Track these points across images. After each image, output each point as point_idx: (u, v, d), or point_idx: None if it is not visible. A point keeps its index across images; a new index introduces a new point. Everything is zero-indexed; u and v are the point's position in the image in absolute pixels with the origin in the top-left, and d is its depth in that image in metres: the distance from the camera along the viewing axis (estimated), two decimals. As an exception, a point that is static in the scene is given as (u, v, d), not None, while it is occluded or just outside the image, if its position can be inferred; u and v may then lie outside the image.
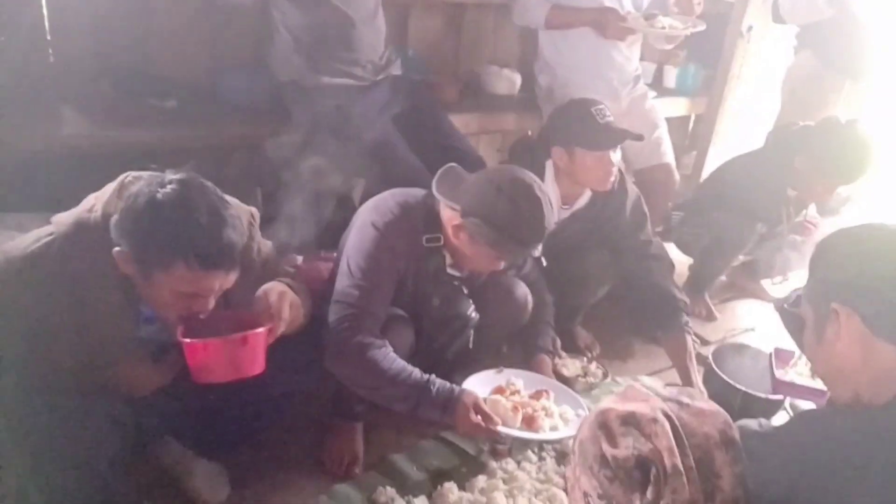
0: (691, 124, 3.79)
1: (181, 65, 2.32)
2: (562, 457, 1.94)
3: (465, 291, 1.93)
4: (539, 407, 1.79)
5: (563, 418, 1.81)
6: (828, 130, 2.50)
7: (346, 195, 2.46)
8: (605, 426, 0.94)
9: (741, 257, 2.87)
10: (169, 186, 1.32)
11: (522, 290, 2.06)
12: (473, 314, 1.94)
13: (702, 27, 2.63)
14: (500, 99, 2.98)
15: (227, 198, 1.45)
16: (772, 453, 0.95)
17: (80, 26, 2.21)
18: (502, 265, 1.84)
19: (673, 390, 0.93)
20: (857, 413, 1.05)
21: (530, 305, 2.07)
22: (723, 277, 3.03)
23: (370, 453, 1.89)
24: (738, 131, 3.23)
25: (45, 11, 2.20)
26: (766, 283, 3.07)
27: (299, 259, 2.55)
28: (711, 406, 0.90)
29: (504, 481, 1.81)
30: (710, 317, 2.86)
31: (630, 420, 0.90)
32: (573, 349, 2.42)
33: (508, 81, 3.02)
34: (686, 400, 0.89)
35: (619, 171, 2.20)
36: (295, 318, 1.52)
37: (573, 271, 2.30)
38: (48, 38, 2.21)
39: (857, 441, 0.99)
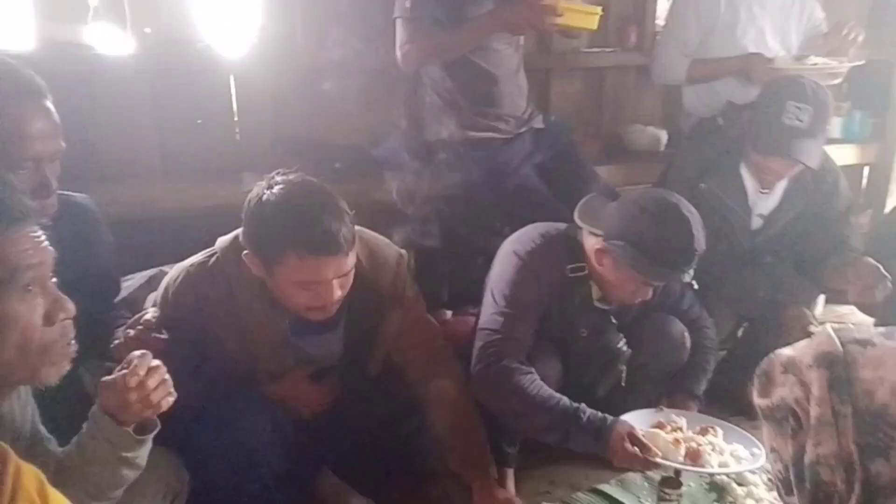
0: (864, 179, 3.48)
1: (344, 131, 2.57)
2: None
3: (615, 322, 1.86)
4: (705, 442, 1.64)
5: (733, 456, 1.63)
6: None
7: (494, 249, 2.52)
8: (766, 374, 0.85)
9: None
10: (276, 187, 1.44)
11: (678, 328, 1.94)
12: (624, 347, 1.85)
13: (860, 62, 2.48)
14: (645, 154, 2.96)
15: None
16: None
17: (261, 106, 2.56)
18: (650, 293, 1.76)
19: (873, 330, 0.81)
20: None
21: (688, 343, 1.94)
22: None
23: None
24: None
25: (233, 98, 2.59)
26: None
27: (449, 314, 2.62)
28: None
29: (671, 536, 1.65)
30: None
31: (790, 366, 0.82)
32: None
33: (653, 138, 3.00)
34: (879, 339, 0.79)
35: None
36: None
37: None
38: (235, 118, 2.59)
39: None
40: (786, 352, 0.83)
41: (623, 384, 1.89)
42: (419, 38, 2.17)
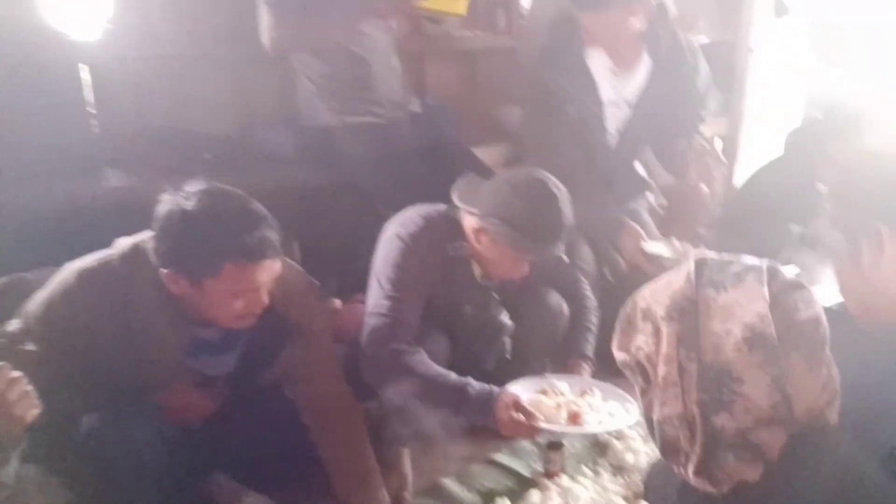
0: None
1: (214, 121, 2.47)
2: (618, 470, 1.87)
3: (497, 298, 1.93)
4: (584, 403, 1.75)
5: (610, 414, 1.75)
6: (844, 114, 2.52)
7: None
8: (628, 319, 0.90)
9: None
10: (194, 198, 1.37)
11: (555, 298, 2.05)
12: (507, 321, 1.93)
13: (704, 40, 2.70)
14: (519, 134, 3.06)
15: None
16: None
17: (120, 96, 2.40)
18: (527, 267, 1.84)
19: (727, 267, 0.85)
20: None
21: (566, 312, 2.05)
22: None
23: (419, 480, 1.84)
24: (767, 143, 3.23)
25: (84, 91, 2.40)
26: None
27: (338, 302, 2.60)
28: (750, 291, 0.83)
29: (559, 496, 1.74)
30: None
31: (647, 315, 0.87)
32: None
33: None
34: (730, 282, 0.84)
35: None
36: None
37: None
38: (93, 111, 2.41)
39: None
40: (645, 297, 0.88)
41: (508, 356, 1.97)
42: (286, 24, 2.13)
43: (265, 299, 1.45)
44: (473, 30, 3.08)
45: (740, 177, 3.28)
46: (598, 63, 2.22)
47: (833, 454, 0.84)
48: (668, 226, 2.76)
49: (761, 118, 3.42)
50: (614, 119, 2.29)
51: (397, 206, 2.09)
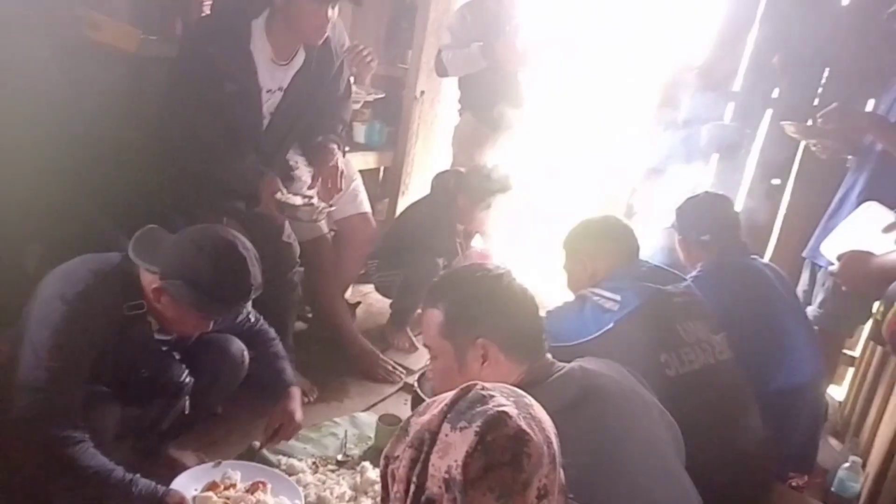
0: (381, 175, 4.14)
1: None
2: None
3: (177, 357, 1.86)
4: (253, 501, 1.79)
5: None
6: (477, 172, 3.04)
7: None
8: (403, 428, 0.96)
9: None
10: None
11: (237, 346, 2.03)
12: (187, 380, 1.87)
13: (381, 95, 2.95)
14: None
15: None
16: None
17: None
18: (210, 325, 1.80)
19: (478, 406, 0.92)
20: None
21: (247, 361, 2.05)
22: (419, 311, 3.36)
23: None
24: (425, 180, 3.62)
25: None
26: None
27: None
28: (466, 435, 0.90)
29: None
30: (412, 348, 3.14)
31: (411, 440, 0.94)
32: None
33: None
34: (469, 420, 0.90)
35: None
36: None
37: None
38: None
39: None
40: (418, 418, 0.93)
41: (187, 412, 1.91)
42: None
43: None
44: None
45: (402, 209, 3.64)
46: (260, 51, 2.30)
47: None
48: (339, 252, 2.96)
49: (430, 156, 3.84)
50: (269, 105, 2.41)
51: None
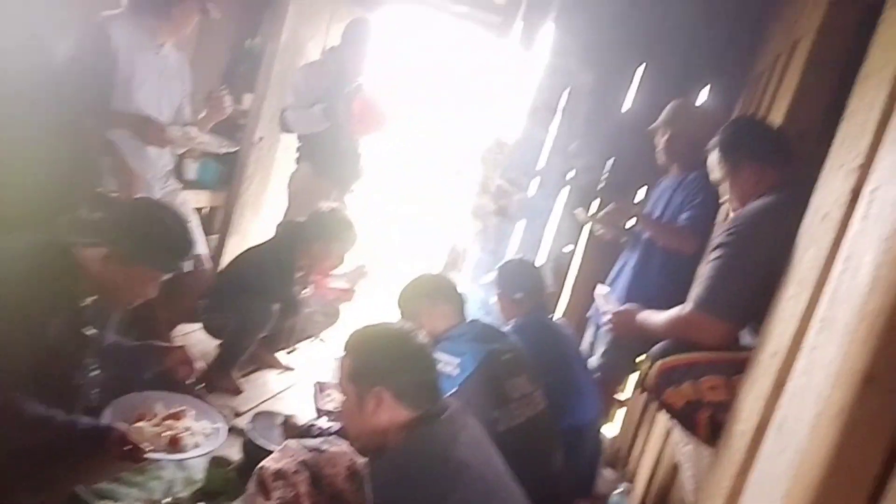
0: (206, 213, 4.11)
1: None
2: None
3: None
4: (182, 428, 1.98)
5: (203, 434, 2.04)
6: (321, 217, 3.20)
7: None
8: (261, 483, 1.18)
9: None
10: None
11: None
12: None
13: (236, 148, 3.04)
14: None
15: None
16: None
17: None
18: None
19: (316, 441, 1.21)
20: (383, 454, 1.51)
21: None
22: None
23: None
24: (258, 223, 3.70)
25: None
26: (279, 354, 3.56)
27: None
28: (340, 448, 1.22)
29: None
30: (236, 391, 3.15)
31: (279, 475, 1.18)
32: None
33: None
34: (324, 447, 1.21)
35: None
36: None
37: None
38: None
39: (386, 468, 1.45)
40: (271, 466, 1.19)
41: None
42: None
43: None
44: None
45: (230, 250, 3.66)
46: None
47: None
48: (171, 290, 2.92)
49: (265, 200, 3.90)
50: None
51: None
